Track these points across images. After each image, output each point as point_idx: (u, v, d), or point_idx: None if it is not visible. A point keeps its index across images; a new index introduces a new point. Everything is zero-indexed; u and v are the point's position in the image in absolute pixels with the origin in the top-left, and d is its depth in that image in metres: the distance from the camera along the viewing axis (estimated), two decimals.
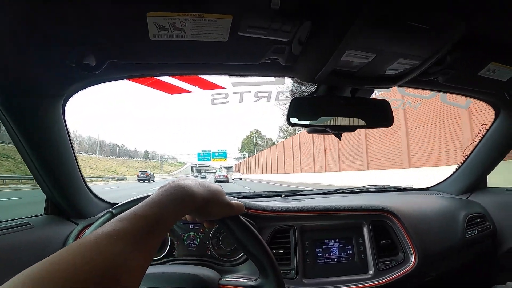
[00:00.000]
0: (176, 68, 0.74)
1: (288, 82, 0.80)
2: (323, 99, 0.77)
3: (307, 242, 0.93)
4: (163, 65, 0.71)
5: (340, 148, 14.96)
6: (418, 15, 0.48)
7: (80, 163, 0.86)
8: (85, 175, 0.90)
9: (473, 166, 1.31)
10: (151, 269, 0.67)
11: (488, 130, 1.20)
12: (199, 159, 44.90)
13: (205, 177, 39.84)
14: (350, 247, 0.95)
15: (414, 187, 1.53)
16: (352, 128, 0.77)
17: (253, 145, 60.31)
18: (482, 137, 1.23)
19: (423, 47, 0.57)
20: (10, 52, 0.55)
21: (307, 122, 0.80)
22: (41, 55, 0.57)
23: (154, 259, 0.88)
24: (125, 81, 0.74)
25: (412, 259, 0.94)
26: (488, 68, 0.76)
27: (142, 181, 27.71)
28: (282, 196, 1.23)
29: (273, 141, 52.25)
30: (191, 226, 0.93)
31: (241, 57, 0.68)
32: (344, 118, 0.77)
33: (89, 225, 0.83)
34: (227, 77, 0.81)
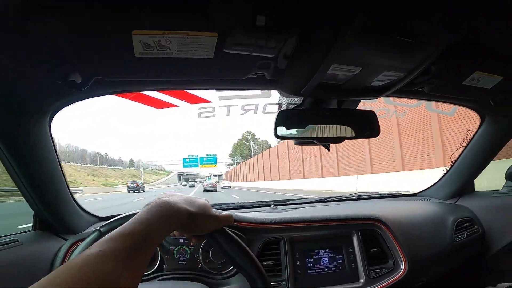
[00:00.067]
0: (163, 84, 0.74)
1: (275, 94, 0.81)
2: (310, 111, 0.78)
3: (297, 253, 0.93)
4: (149, 81, 0.71)
5: (339, 154, 15.08)
6: (404, 28, 0.49)
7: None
8: None
9: (460, 171, 1.33)
10: (141, 286, 0.66)
11: (473, 135, 1.23)
12: (185, 166, 39.94)
13: (193, 186, 38.23)
14: (340, 256, 0.95)
15: (402, 193, 1.55)
16: (339, 140, 0.78)
17: (245, 149, 58.28)
18: (468, 143, 1.25)
19: (408, 59, 0.58)
20: None
21: (294, 134, 0.81)
22: (26, 72, 0.57)
23: (144, 273, 0.87)
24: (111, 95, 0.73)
25: (402, 266, 0.95)
26: (472, 77, 0.77)
27: (132, 191, 27.31)
28: (271, 206, 1.22)
29: (268, 143, 51.19)
30: (181, 240, 0.92)
31: (227, 73, 0.69)
32: (330, 129, 0.78)
33: (78, 241, 0.82)
34: (214, 91, 0.81)
